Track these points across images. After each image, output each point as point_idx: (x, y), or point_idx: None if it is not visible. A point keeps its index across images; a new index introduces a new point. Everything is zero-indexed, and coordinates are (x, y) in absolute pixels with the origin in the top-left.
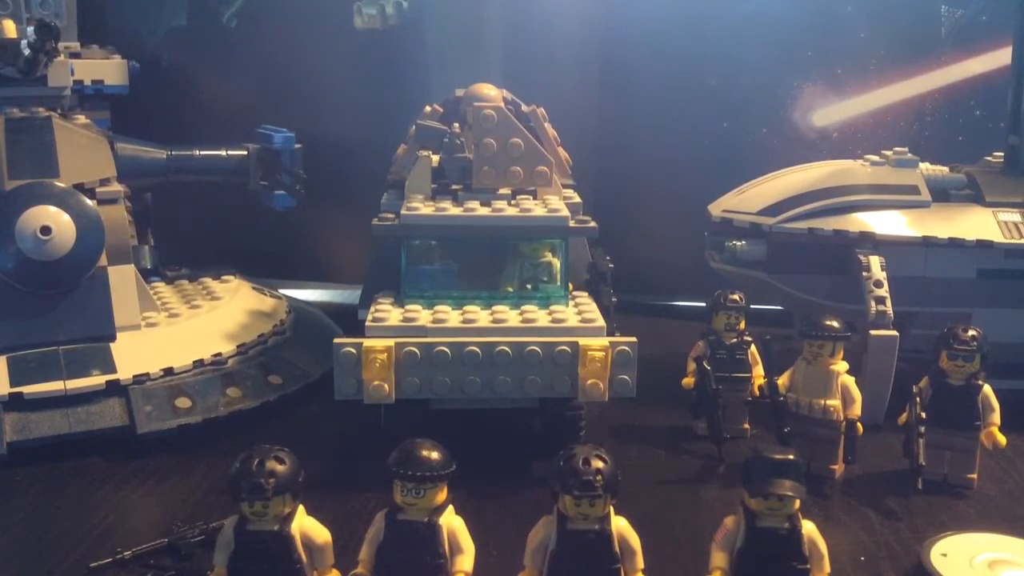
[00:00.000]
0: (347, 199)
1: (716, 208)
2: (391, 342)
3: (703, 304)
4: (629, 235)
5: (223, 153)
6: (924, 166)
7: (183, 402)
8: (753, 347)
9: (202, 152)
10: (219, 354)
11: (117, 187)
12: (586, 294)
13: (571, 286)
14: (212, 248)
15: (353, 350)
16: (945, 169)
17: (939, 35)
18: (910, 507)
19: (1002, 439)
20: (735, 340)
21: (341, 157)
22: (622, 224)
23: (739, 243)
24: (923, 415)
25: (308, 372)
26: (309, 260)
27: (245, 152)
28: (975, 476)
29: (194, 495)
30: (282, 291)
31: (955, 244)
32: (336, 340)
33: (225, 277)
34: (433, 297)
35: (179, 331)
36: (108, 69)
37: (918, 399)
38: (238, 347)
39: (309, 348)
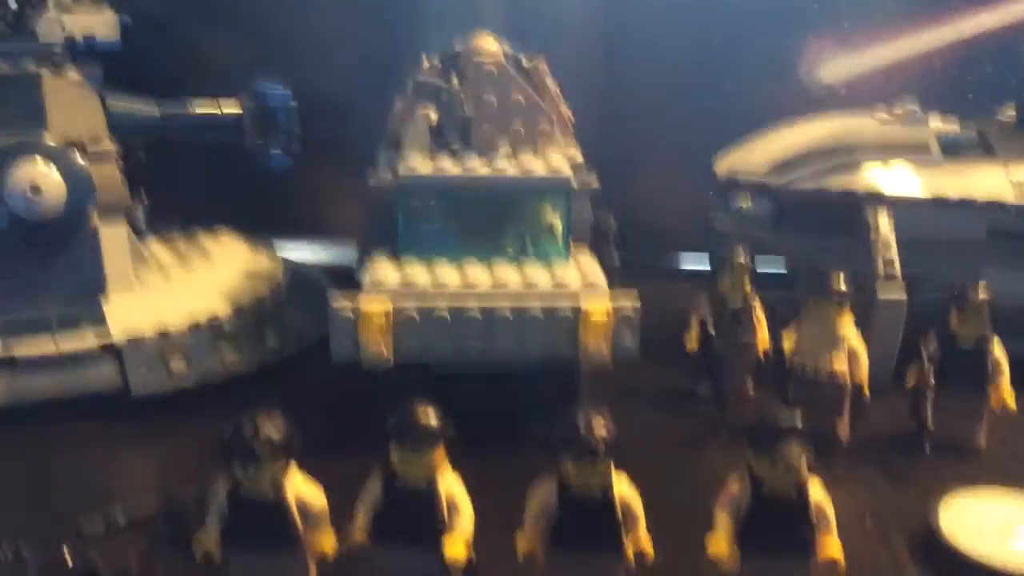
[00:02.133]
0: (346, 155)
1: (722, 166)
2: (389, 304)
3: (708, 264)
4: (633, 192)
5: (218, 110)
6: (934, 122)
7: (178, 364)
8: (758, 308)
9: (196, 109)
10: (215, 315)
11: (108, 144)
12: (589, 254)
13: (574, 246)
14: (208, 206)
15: (350, 313)
16: (955, 126)
17: None
18: (917, 469)
19: (1011, 401)
20: (740, 301)
21: (339, 112)
22: (626, 180)
23: (745, 202)
24: (931, 377)
25: (305, 334)
26: (307, 218)
27: (240, 109)
28: (983, 437)
29: (189, 457)
30: (279, 250)
31: (965, 204)
32: (332, 303)
33: (221, 236)
34: (432, 257)
35: (174, 291)
36: (99, 24)
37: (926, 360)
38: (234, 308)
39: (307, 309)
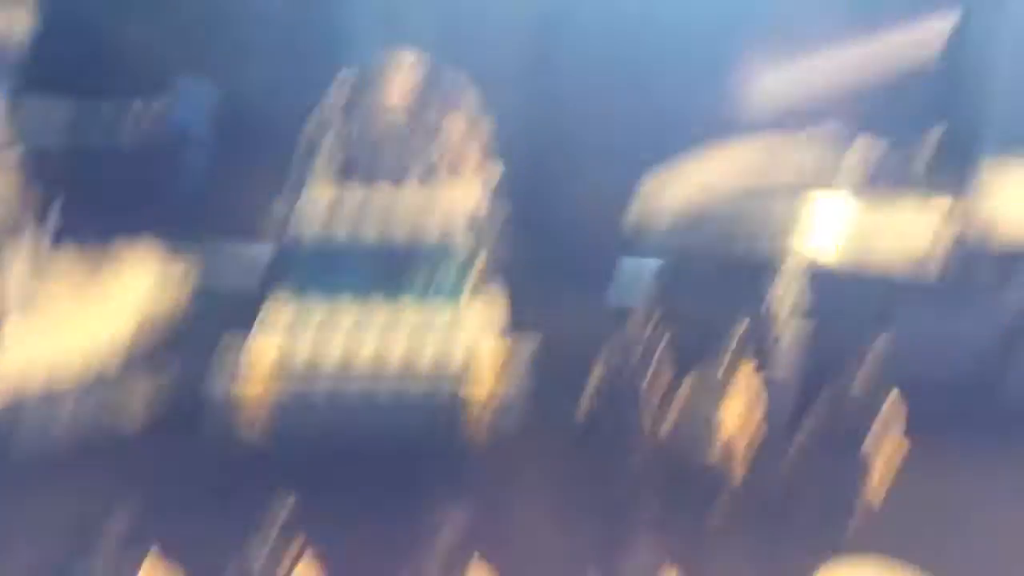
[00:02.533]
0: (270, 155)
1: (631, 216)
2: (264, 385)
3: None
4: (547, 221)
5: (134, 113)
6: (858, 150)
7: (63, 414)
8: (656, 374)
9: (108, 114)
10: (107, 354)
11: (11, 155)
12: (487, 297)
13: (476, 279)
14: (123, 214)
15: (227, 391)
16: (880, 152)
17: (883, 8)
18: (800, 534)
19: (895, 461)
20: (630, 370)
21: (261, 116)
22: (541, 209)
23: (649, 260)
24: (819, 435)
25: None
26: (232, 227)
27: (157, 114)
28: (870, 501)
29: (64, 531)
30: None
31: (863, 269)
32: (209, 383)
33: (128, 251)
34: (329, 295)
35: (65, 324)
36: (10, 17)
37: (813, 420)
38: (129, 345)
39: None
